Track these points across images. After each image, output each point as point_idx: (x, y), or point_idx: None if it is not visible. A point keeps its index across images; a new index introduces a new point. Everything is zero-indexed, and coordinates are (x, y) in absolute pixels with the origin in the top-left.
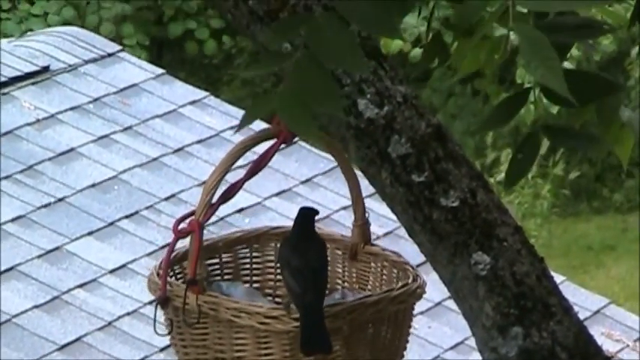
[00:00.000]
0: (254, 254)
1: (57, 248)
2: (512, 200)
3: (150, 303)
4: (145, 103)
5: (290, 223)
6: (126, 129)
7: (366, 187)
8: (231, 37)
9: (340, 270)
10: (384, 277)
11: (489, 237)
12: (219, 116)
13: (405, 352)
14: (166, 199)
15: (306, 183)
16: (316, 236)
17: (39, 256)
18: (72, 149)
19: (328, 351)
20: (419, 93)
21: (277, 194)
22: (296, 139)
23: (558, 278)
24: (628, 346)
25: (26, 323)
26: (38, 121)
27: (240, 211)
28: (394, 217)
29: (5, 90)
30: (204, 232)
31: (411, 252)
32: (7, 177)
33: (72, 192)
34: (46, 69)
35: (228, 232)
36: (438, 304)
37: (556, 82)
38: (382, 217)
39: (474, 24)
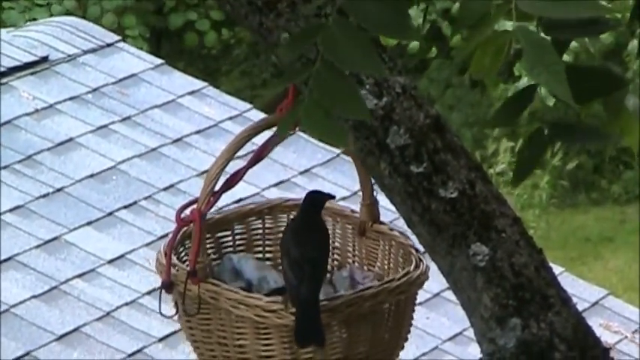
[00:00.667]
0: (267, 225)
1: (55, 238)
2: (512, 191)
3: (148, 293)
4: (144, 93)
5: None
6: (125, 119)
7: None
8: (231, 30)
9: (351, 246)
10: (392, 256)
11: (488, 228)
12: (218, 107)
13: (405, 341)
14: (165, 189)
15: (304, 174)
16: (320, 224)
17: (37, 246)
18: (70, 139)
19: (322, 344)
20: (416, 84)
21: (276, 185)
22: (296, 128)
23: (556, 269)
24: (626, 337)
25: (24, 313)
26: (37, 111)
27: (238, 201)
28: (393, 208)
29: (4, 80)
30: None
31: (406, 234)
32: (5, 167)
33: (70, 182)
34: (44, 59)
35: (240, 205)
36: (437, 295)
37: (559, 88)
38: (381, 208)
39: (479, 19)
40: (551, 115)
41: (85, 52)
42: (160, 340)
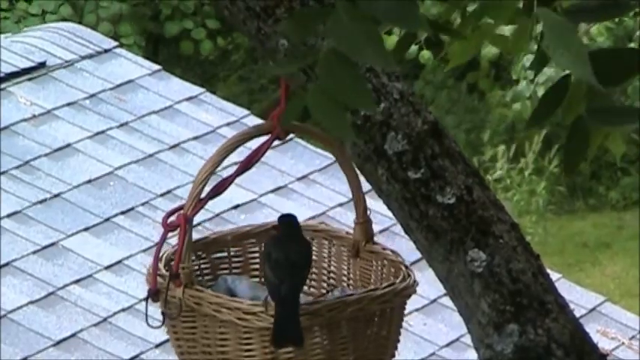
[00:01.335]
0: (263, 249)
1: (52, 244)
2: (509, 197)
3: (145, 299)
4: (141, 99)
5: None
6: (122, 125)
7: (362, 183)
8: (226, 39)
9: (345, 267)
10: (384, 276)
11: (485, 234)
12: (215, 112)
13: (396, 351)
14: (162, 195)
15: (301, 180)
16: (301, 237)
17: (34, 252)
18: (68, 145)
19: (300, 344)
20: (413, 89)
21: (273, 191)
22: (291, 135)
23: (554, 276)
24: (623, 343)
25: (21, 319)
26: (34, 116)
27: (235, 207)
28: (390, 214)
29: (2, 85)
30: (202, 227)
31: (407, 249)
32: (3, 172)
33: (68, 188)
34: (42, 65)
35: (237, 227)
36: (434, 301)
37: (582, 70)
38: (378, 214)
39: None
40: (555, 120)
41: (83, 58)
42: (157, 345)
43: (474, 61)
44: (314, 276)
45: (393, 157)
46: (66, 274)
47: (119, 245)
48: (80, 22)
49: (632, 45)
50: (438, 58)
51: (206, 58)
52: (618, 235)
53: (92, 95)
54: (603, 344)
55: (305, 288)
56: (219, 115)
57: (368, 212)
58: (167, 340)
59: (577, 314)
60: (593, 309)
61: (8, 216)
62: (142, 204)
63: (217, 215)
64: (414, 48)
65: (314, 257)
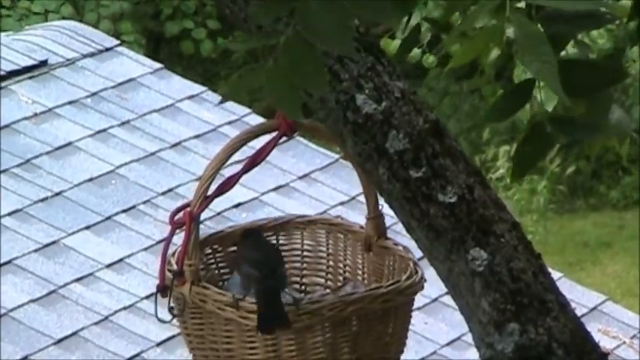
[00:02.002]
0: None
1: (54, 242)
2: (510, 196)
3: (146, 298)
4: (143, 97)
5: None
6: (123, 123)
7: None
8: (226, 39)
9: (360, 261)
10: (395, 271)
11: (486, 233)
12: (217, 111)
13: (403, 349)
14: (163, 193)
15: (303, 178)
16: (267, 241)
17: (36, 250)
18: (69, 143)
19: (286, 325)
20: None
21: (274, 189)
22: (295, 133)
23: (555, 275)
24: (624, 342)
25: (23, 317)
26: (36, 115)
27: (237, 206)
28: (392, 213)
29: (3, 84)
30: (204, 225)
31: (408, 248)
32: (4, 171)
33: (69, 186)
34: (43, 63)
35: (252, 220)
36: (435, 300)
37: (550, 78)
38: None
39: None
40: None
41: (84, 56)
42: (158, 344)
43: (475, 65)
44: (330, 269)
45: (394, 156)
46: (67, 273)
47: (120, 244)
48: (81, 21)
49: (635, 48)
50: (438, 56)
51: (207, 56)
52: (619, 234)
53: (93, 93)
54: (604, 343)
55: (321, 280)
56: (221, 114)
57: (380, 207)
58: (168, 339)
59: (578, 313)
60: (594, 308)
61: (9, 214)
62: (144, 202)
63: (219, 214)
64: (416, 51)
65: (330, 250)
